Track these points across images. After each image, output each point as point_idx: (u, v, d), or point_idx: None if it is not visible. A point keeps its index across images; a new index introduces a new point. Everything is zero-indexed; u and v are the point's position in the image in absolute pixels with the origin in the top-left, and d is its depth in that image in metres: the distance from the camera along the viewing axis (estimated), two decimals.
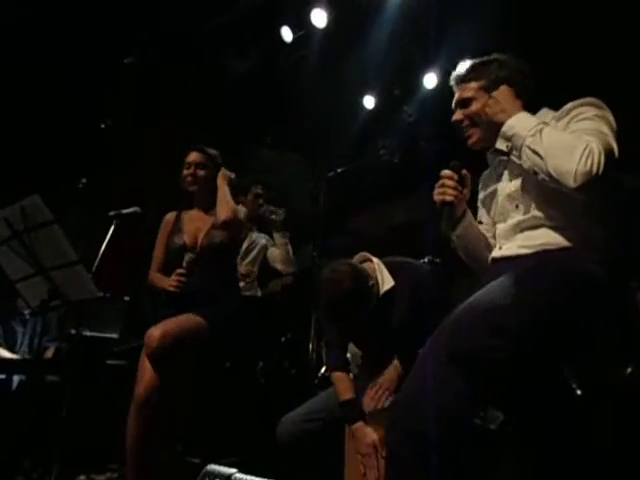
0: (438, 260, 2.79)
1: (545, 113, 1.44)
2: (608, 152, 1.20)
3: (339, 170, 3.18)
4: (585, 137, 1.22)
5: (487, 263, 1.53)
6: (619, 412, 1.17)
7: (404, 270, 1.93)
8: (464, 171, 1.50)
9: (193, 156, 2.35)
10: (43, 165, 3.85)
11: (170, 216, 2.42)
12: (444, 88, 3.81)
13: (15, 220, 2.03)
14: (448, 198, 1.45)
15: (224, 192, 2.27)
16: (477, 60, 1.51)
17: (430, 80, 3.96)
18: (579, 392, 1.11)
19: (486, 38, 3.13)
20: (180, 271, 2.18)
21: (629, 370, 1.15)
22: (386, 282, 1.88)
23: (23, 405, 2.54)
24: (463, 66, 1.53)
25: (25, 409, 2.48)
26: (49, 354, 3.31)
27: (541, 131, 1.26)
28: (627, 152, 1.30)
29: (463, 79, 1.51)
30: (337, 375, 1.92)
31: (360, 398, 1.84)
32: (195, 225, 2.33)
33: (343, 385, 1.87)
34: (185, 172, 2.34)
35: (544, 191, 1.33)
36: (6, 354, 3.16)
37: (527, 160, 1.28)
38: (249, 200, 3.26)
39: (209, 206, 2.35)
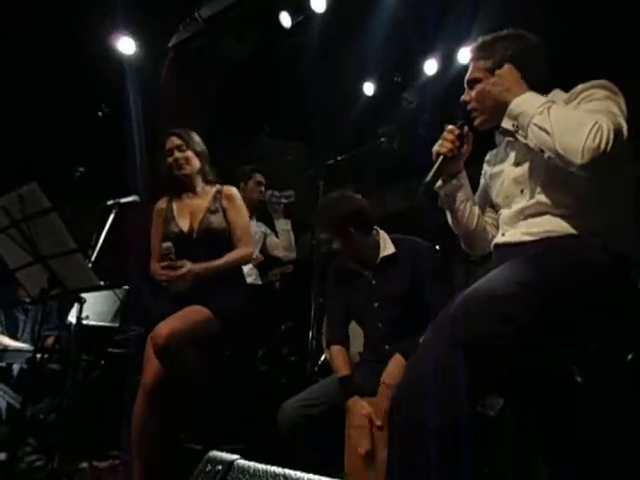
0: (437, 247, 2.80)
1: (556, 94, 1.41)
2: (617, 131, 1.18)
3: (339, 157, 3.16)
4: (595, 115, 1.20)
5: (471, 234, 1.57)
6: (621, 398, 1.18)
7: (405, 243, 2.03)
8: (466, 129, 1.50)
9: (172, 142, 2.29)
10: (41, 153, 3.83)
11: (161, 204, 2.35)
12: (444, 74, 3.79)
13: (13, 208, 2.02)
14: (442, 150, 1.46)
15: (213, 266, 2.16)
16: (488, 37, 1.49)
17: (430, 66, 3.93)
18: (580, 379, 1.12)
19: (487, 23, 3.10)
20: (163, 264, 2.10)
21: (630, 356, 1.16)
22: (387, 248, 1.99)
23: (24, 393, 2.55)
24: (479, 41, 1.50)
25: (26, 397, 2.48)
26: (49, 342, 3.33)
27: (549, 109, 1.24)
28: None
29: (474, 57, 1.50)
30: (336, 349, 2.00)
31: (363, 377, 1.89)
32: (189, 210, 2.27)
33: (341, 361, 1.94)
34: (169, 160, 2.27)
35: (551, 177, 1.31)
36: (8, 342, 3.17)
37: (533, 138, 1.26)
38: (250, 187, 3.24)
39: (200, 188, 2.32)
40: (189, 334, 2.00)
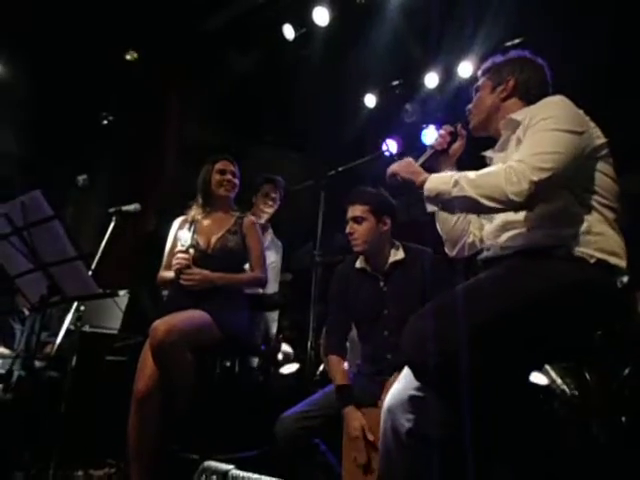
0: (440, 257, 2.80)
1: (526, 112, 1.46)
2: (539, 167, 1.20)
3: (340, 168, 3.17)
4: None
5: (449, 232, 1.62)
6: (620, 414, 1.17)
7: (414, 251, 2.09)
8: (459, 127, 1.61)
9: (230, 165, 2.47)
10: (44, 161, 3.86)
11: (181, 220, 2.47)
12: (445, 87, 3.82)
13: (15, 216, 2.03)
14: (434, 142, 1.59)
15: (227, 277, 2.28)
16: (497, 58, 1.59)
17: (431, 79, 3.97)
18: (574, 392, 1.11)
19: (487, 37, 3.13)
20: (180, 248, 2.22)
21: (627, 371, 1.15)
22: (398, 254, 2.06)
23: (22, 400, 2.55)
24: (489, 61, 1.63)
25: (24, 404, 2.48)
26: (49, 349, 3.32)
27: (457, 180, 1.27)
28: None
29: (482, 72, 1.62)
30: (333, 359, 2.01)
31: (361, 388, 1.90)
32: (209, 229, 2.38)
33: (339, 370, 1.97)
34: (220, 177, 2.42)
35: None
36: (3, 351, 3.16)
37: (462, 207, 1.30)
38: (259, 199, 3.17)
39: (226, 210, 2.47)
40: (188, 334, 2.02)
